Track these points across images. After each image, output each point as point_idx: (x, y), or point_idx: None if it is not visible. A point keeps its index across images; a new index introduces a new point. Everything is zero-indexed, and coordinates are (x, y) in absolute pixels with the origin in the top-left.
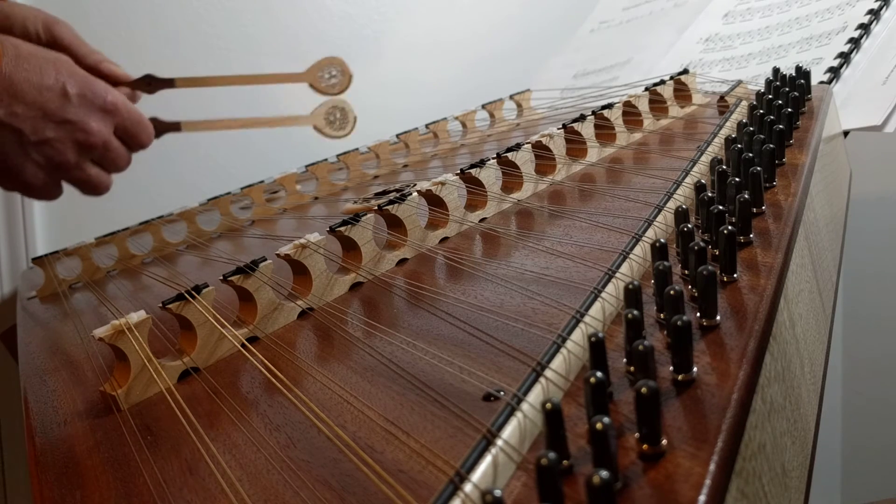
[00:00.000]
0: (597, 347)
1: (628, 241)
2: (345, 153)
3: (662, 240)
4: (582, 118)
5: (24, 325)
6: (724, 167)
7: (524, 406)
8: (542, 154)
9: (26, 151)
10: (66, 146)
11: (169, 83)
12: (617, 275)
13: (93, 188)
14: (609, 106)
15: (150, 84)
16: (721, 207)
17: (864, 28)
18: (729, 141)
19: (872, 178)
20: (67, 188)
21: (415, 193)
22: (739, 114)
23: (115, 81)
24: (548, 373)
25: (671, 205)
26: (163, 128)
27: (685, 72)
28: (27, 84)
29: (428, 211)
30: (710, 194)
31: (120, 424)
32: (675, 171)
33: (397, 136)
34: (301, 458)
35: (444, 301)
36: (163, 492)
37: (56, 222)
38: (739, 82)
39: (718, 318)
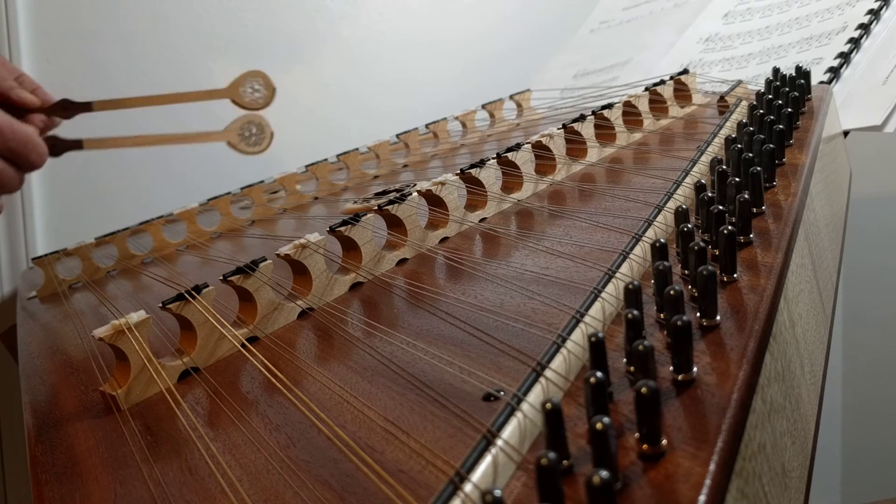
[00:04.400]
0: (597, 347)
1: (628, 241)
2: (345, 153)
3: (662, 240)
4: (582, 118)
5: (24, 325)
6: (724, 167)
7: (524, 406)
8: (542, 154)
9: None
10: None
11: (86, 107)
12: (617, 275)
13: None
14: (609, 106)
15: (67, 109)
16: (721, 207)
17: (864, 28)
18: (729, 141)
19: (872, 178)
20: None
21: (415, 193)
22: (739, 114)
23: (27, 108)
24: (548, 373)
25: (671, 205)
26: (62, 146)
27: (685, 72)
28: None
29: (428, 211)
30: (710, 194)
31: (120, 424)
32: (675, 171)
33: (397, 136)
34: (301, 458)
35: (444, 301)
36: (163, 492)
37: (56, 222)
38: (739, 82)
39: (718, 318)
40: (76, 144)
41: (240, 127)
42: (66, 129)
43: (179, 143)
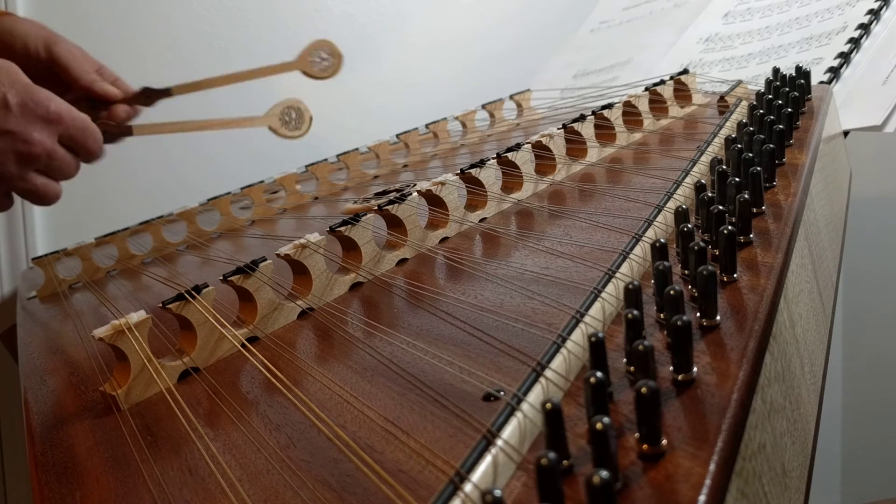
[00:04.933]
0: (597, 347)
1: (628, 241)
2: (345, 153)
3: (662, 240)
4: (582, 118)
5: (24, 325)
6: (724, 167)
7: (524, 406)
8: (542, 154)
9: None
10: (7, 157)
11: (166, 93)
12: (617, 275)
13: (40, 198)
14: (609, 106)
15: (149, 97)
16: (721, 207)
17: (864, 28)
18: (729, 141)
19: (872, 178)
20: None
21: (415, 193)
22: (739, 114)
23: (109, 100)
24: (548, 373)
25: (671, 205)
26: (115, 133)
27: (685, 72)
28: None
29: (428, 211)
30: (710, 194)
31: (120, 424)
32: (675, 171)
33: (397, 136)
34: (301, 458)
35: (444, 301)
36: (163, 492)
37: (56, 222)
38: (739, 82)
39: (718, 318)
40: (127, 130)
41: (280, 112)
42: None
43: (222, 127)
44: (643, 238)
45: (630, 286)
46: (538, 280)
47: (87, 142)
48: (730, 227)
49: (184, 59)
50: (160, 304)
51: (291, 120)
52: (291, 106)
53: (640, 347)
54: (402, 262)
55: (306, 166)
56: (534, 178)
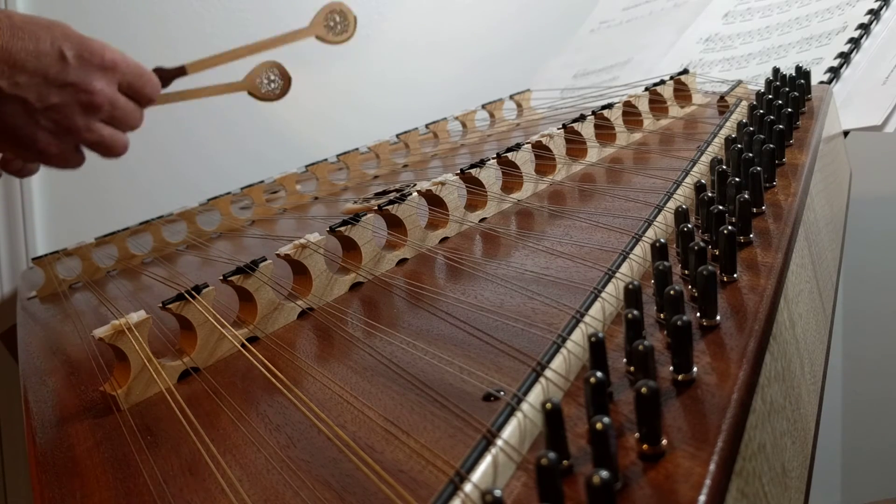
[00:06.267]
0: (597, 347)
1: (628, 241)
2: (345, 153)
3: (662, 240)
4: (582, 118)
5: (24, 325)
6: (724, 167)
7: (524, 406)
8: (542, 154)
9: (35, 120)
10: (72, 109)
11: (181, 71)
12: (617, 275)
13: (108, 149)
14: (609, 106)
15: (161, 78)
16: (721, 207)
17: (864, 28)
18: (729, 141)
19: (872, 178)
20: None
21: (415, 193)
22: (739, 114)
23: None
24: (548, 373)
25: (671, 205)
26: (168, 76)
27: (685, 72)
28: (25, 53)
29: (428, 211)
30: (710, 194)
31: (120, 424)
32: (675, 171)
33: (397, 136)
34: (301, 458)
35: (444, 301)
36: (163, 492)
37: (56, 222)
38: (739, 82)
39: (718, 318)
40: (180, 71)
41: (324, 17)
42: None
43: (273, 46)
44: (643, 238)
45: (630, 286)
46: (538, 280)
47: (144, 87)
48: (730, 227)
49: (184, 59)
50: (160, 304)
51: (337, 24)
52: (334, 10)
53: (640, 347)
54: (402, 262)
55: (306, 166)
56: (534, 178)
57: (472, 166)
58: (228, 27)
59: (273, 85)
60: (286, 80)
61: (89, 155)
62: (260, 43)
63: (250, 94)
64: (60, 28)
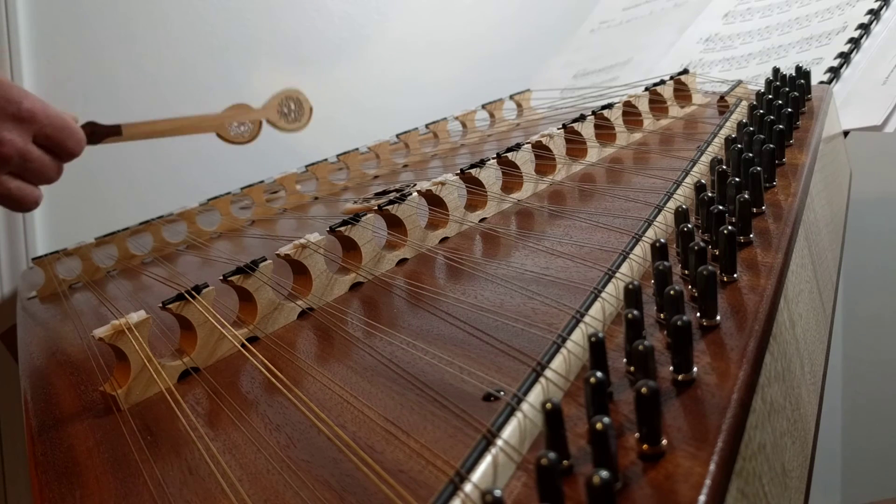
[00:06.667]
0: (597, 347)
1: (628, 241)
2: (345, 153)
3: (662, 240)
4: (582, 118)
5: (24, 325)
6: (724, 167)
7: (524, 406)
8: (542, 154)
9: None
10: None
11: (115, 130)
12: (617, 275)
13: (15, 203)
14: (609, 106)
15: (94, 133)
16: (721, 207)
17: (864, 28)
18: (729, 141)
19: (872, 178)
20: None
21: (415, 193)
22: (739, 114)
23: None
24: (548, 373)
25: (671, 205)
26: (101, 132)
27: (685, 72)
28: None
29: (428, 211)
30: (710, 194)
31: (120, 424)
32: (675, 171)
33: (397, 136)
34: (301, 458)
35: (444, 301)
36: (163, 492)
37: (56, 222)
38: (739, 82)
39: (718, 318)
40: (115, 130)
41: (278, 103)
42: None
43: (218, 122)
44: (643, 238)
45: (630, 286)
46: (538, 280)
47: (65, 142)
48: (730, 227)
49: (184, 58)
50: (160, 304)
51: (291, 112)
52: (290, 96)
53: (640, 347)
54: (402, 262)
55: (306, 166)
56: (534, 178)
57: (472, 166)
58: (228, 27)
59: (243, 129)
60: (257, 126)
61: (89, 155)
62: (201, 120)
63: (219, 136)
64: None
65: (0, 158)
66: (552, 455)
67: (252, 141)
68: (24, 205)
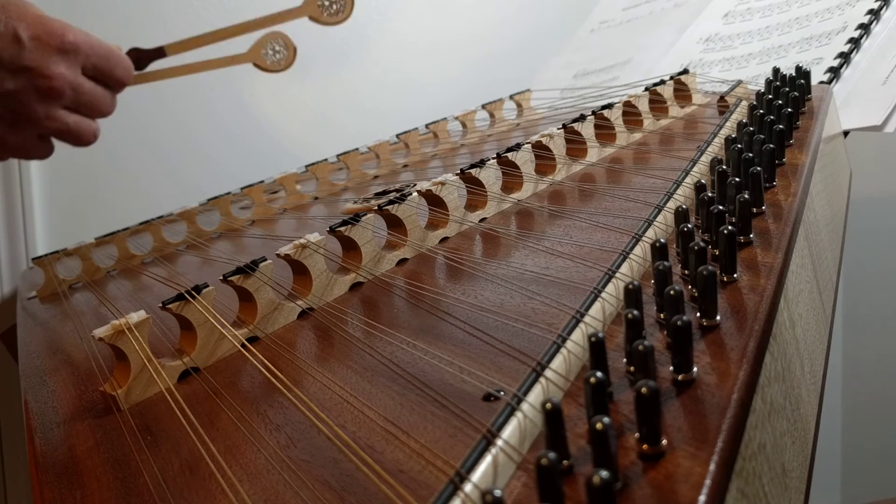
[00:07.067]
0: (597, 347)
1: (628, 241)
2: (345, 153)
3: (662, 240)
4: (582, 118)
5: (24, 325)
6: (724, 167)
7: (524, 406)
8: (542, 154)
9: None
10: (29, 96)
11: (159, 53)
12: (617, 275)
13: (75, 138)
14: (609, 106)
15: (139, 59)
16: (721, 207)
17: (864, 28)
18: (729, 141)
19: (872, 178)
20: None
21: (415, 193)
22: (739, 114)
23: None
24: (548, 373)
25: (671, 205)
26: (146, 57)
27: (685, 72)
28: None
29: (428, 211)
30: (710, 194)
31: (120, 424)
32: (675, 171)
33: (397, 136)
34: (301, 458)
35: (444, 301)
36: (163, 492)
37: (56, 222)
38: (739, 82)
39: (718, 318)
40: (159, 52)
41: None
42: None
43: (261, 27)
44: (643, 238)
45: (630, 286)
46: (538, 280)
47: (114, 70)
48: (730, 227)
49: (184, 58)
50: (160, 304)
51: (332, 3)
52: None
53: (640, 347)
54: (402, 262)
55: (306, 166)
56: (534, 178)
57: (472, 166)
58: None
59: (278, 56)
60: (291, 51)
61: (89, 155)
62: (244, 24)
63: (255, 65)
64: (15, 7)
65: (53, 93)
66: (552, 455)
67: (288, 68)
68: (83, 138)
